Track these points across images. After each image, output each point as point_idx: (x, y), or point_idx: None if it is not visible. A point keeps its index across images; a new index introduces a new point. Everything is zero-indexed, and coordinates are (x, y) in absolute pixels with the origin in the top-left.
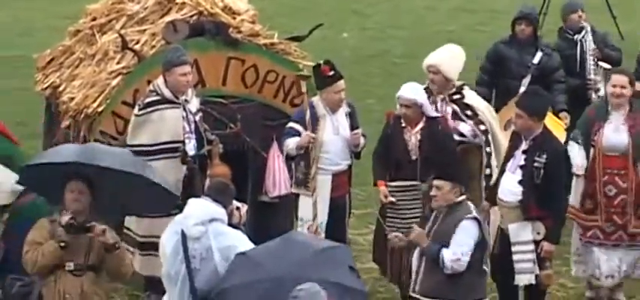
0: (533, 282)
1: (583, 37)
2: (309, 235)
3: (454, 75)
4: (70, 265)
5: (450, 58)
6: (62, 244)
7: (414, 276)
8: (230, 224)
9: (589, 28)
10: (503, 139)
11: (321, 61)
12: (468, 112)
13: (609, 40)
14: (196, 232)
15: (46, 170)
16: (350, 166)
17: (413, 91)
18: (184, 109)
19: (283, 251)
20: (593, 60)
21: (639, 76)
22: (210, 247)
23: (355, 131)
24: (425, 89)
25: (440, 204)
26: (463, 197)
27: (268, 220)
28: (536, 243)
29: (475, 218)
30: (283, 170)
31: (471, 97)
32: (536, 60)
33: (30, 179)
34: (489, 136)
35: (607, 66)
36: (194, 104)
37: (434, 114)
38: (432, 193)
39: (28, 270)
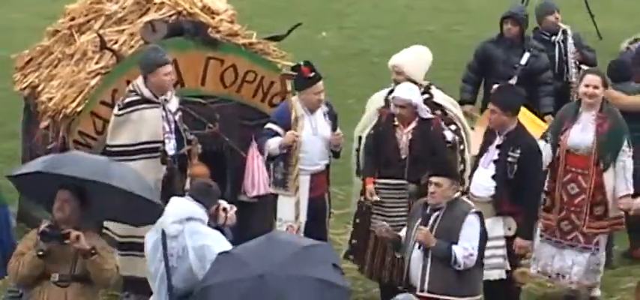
0: (503, 277)
1: (561, 38)
2: (292, 235)
3: (418, 76)
4: (56, 276)
5: (414, 59)
6: (40, 253)
7: (420, 275)
8: (215, 225)
9: (569, 30)
10: (473, 134)
11: (301, 62)
12: (438, 112)
13: (583, 40)
14: (173, 230)
15: (37, 179)
16: (328, 166)
17: (408, 92)
18: (164, 109)
19: (266, 250)
20: (575, 63)
21: (614, 78)
22: (186, 246)
23: (337, 132)
24: (391, 90)
25: (438, 201)
26: (458, 193)
27: (247, 219)
28: (508, 239)
29: (478, 212)
30: (262, 170)
31: (439, 96)
32: (523, 61)
33: (28, 189)
34: (462, 133)
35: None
36: (174, 104)
37: (427, 115)
38: (431, 190)
39: (12, 281)
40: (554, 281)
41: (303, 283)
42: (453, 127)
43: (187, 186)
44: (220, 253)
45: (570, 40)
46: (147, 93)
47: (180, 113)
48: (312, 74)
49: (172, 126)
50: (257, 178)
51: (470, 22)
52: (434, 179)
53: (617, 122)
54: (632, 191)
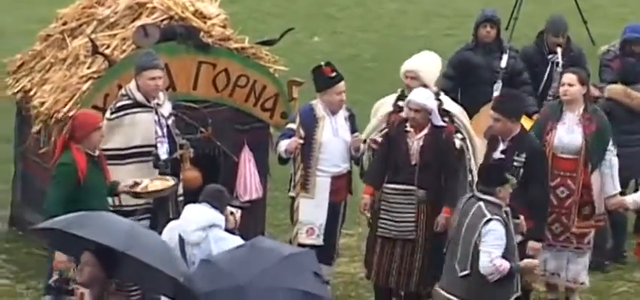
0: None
1: (554, 58)
2: (275, 241)
3: (432, 81)
4: None
5: (428, 65)
6: None
7: None
8: (226, 229)
9: (559, 51)
10: (479, 142)
11: (323, 63)
12: (446, 119)
13: (584, 61)
14: (196, 237)
15: (61, 235)
16: (349, 172)
17: (424, 97)
18: (156, 113)
19: (248, 258)
20: (557, 83)
21: (602, 79)
22: (211, 253)
23: (355, 134)
24: (400, 95)
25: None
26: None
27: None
28: (519, 244)
29: None
30: (254, 175)
31: (448, 103)
32: (503, 63)
33: (53, 242)
34: (467, 142)
35: None
36: (166, 108)
37: (440, 123)
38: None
39: None
40: (549, 280)
41: (284, 295)
42: (459, 135)
43: (180, 190)
44: (202, 260)
45: (559, 60)
46: (139, 97)
47: (172, 118)
48: (333, 74)
49: (165, 130)
50: (249, 183)
51: (464, 26)
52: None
53: (603, 122)
54: (619, 190)
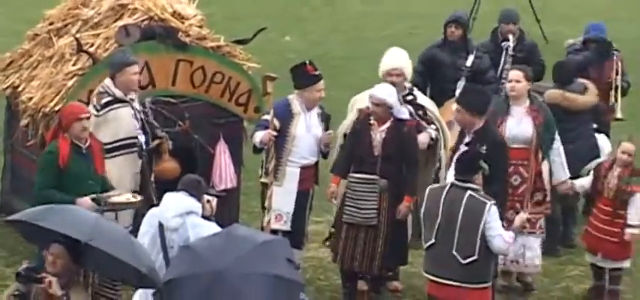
0: None
1: (507, 44)
2: (250, 229)
3: (409, 75)
4: None
5: (407, 60)
6: (16, 293)
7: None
8: (202, 216)
9: (511, 37)
10: (449, 133)
11: (306, 61)
12: (420, 112)
13: (538, 53)
14: (175, 223)
15: (31, 227)
16: (317, 163)
17: (385, 92)
18: (132, 108)
19: (225, 245)
20: (509, 66)
21: (563, 80)
22: (188, 238)
23: (328, 131)
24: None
25: None
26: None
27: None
28: None
29: None
30: (229, 165)
31: (420, 97)
32: (468, 63)
33: (24, 233)
34: (440, 133)
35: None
36: (137, 103)
37: (402, 116)
38: None
39: None
40: (509, 268)
41: (258, 279)
42: (433, 126)
43: (151, 179)
44: (182, 247)
45: (510, 52)
46: (118, 93)
47: (147, 110)
48: (316, 72)
49: (140, 123)
50: (224, 173)
51: (425, 26)
52: None
53: (549, 114)
54: (569, 176)
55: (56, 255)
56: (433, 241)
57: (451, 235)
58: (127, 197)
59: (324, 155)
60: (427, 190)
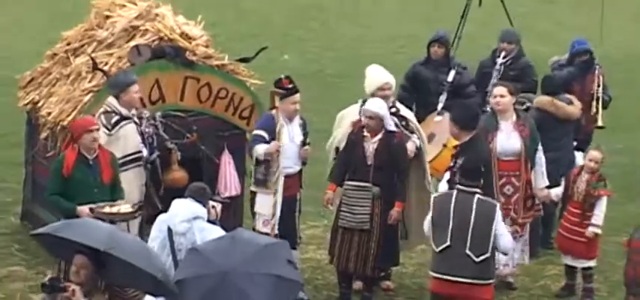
0: None
1: (502, 63)
2: (253, 233)
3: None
4: None
5: (391, 76)
6: None
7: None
8: (208, 220)
9: (502, 55)
10: (428, 144)
11: (282, 76)
12: (403, 123)
13: (531, 73)
14: (182, 228)
15: (55, 240)
16: (300, 170)
17: (377, 106)
18: (135, 123)
19: (230, 248)
20: (496, 81)
21: (550, 91)
22: (195, 241)
23: (306, 147)
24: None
25: None
26: None
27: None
28: None
29: None
30: (233, 175)
31: (403, 110)
32: (449, 78)
33: (48, 247)
34: (420, 142)
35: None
36: (144, 118)
37: (392, 128)
38: None
39: None
40: (501, 272)
41: (261, 279)
42: (415, 135)
43: (160, 188)
44: (190, 250)
45: (497, 68)
46: (123, 111)
47: (157, 123)
48: (290, 86)
49: (141, 137)
50: (229, 182)
51: (412, 46)
52: None
53: (533, 127)
54: (547, 183)
55: (80, 265)
56: (448, 243)
57: (464, 236)
58: (118, 208)
59: (303, 164)
60: (432, 199)
